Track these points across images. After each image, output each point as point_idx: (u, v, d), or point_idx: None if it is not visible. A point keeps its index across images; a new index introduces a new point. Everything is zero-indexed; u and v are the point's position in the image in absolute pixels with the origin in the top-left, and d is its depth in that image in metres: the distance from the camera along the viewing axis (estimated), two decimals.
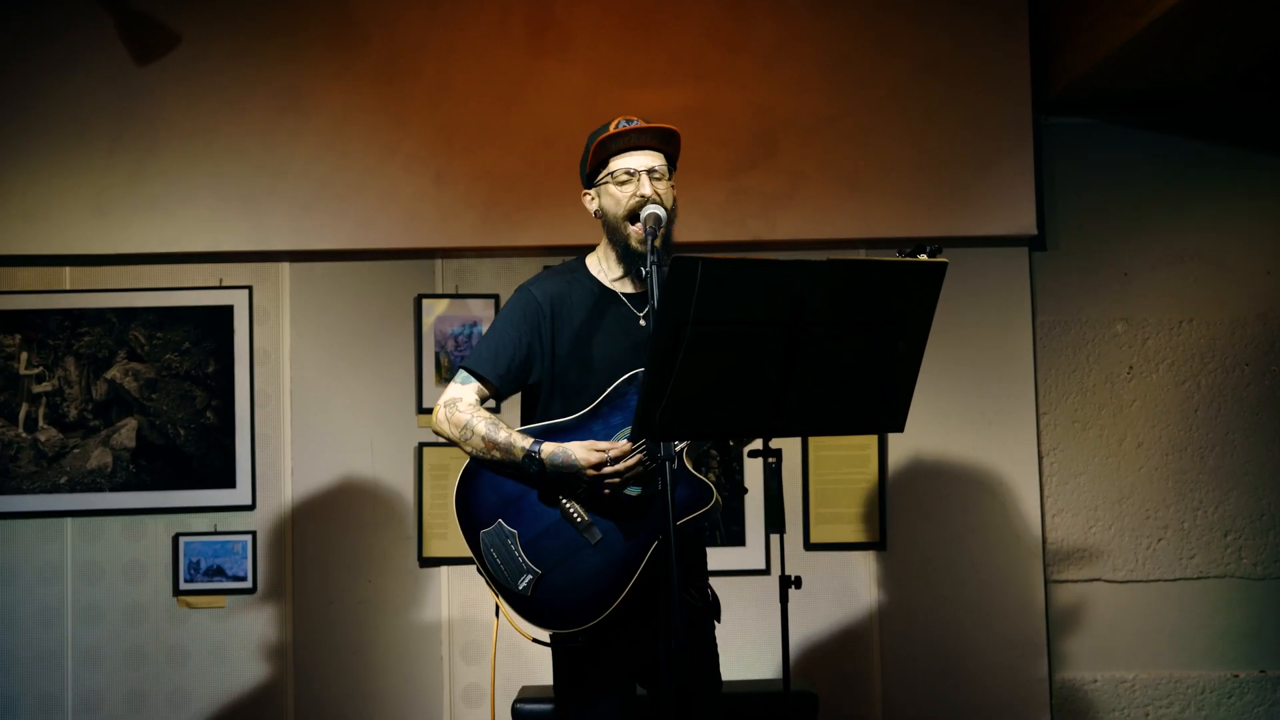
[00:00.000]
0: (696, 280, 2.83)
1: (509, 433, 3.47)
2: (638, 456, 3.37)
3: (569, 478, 3.40)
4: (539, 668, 4.70)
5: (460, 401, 3.55)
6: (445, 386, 4.85)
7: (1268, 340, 5.24)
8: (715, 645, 3.65)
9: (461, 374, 3.60)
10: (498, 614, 3.50)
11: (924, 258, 3.44)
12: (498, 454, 3.46)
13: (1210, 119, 5.27)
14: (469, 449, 3.51)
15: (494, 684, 3.85)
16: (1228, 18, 4.28)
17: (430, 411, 4.89)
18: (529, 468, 3.43)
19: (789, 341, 2.98)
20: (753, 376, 3.02)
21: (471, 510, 3.54)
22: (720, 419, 3.11)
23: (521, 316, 3.61)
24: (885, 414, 3.14)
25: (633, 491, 3.43)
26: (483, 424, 3.49)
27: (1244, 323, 5.24)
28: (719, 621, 3.63)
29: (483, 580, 3.51)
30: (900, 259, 3.35)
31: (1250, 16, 4.31)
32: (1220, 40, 4.53)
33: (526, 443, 3.44)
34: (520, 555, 3.47)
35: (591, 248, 3.73)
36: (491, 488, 3.54)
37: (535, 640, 3.51)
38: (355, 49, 5.11)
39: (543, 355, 3.61)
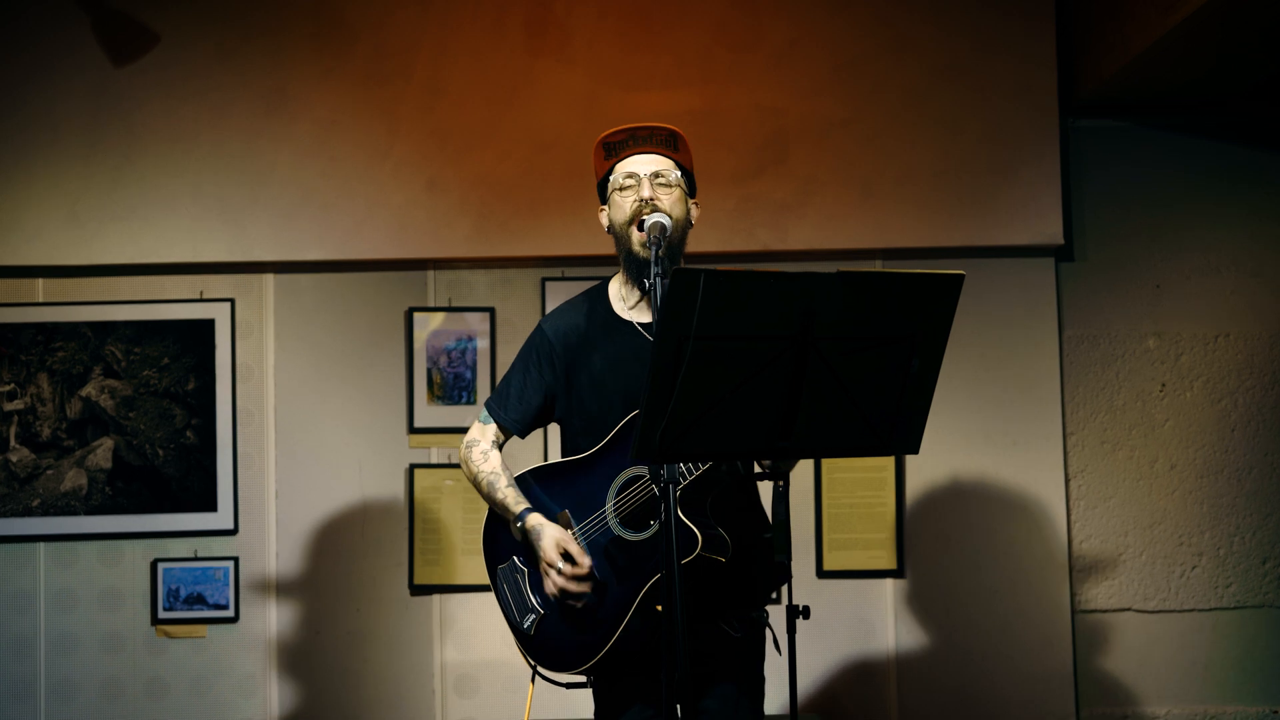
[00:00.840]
0: (698, 293, 2.78)
1: (505, 493, 3.54)
2: (579, 586, 3.39)
3: (534, 555, 3.47)
4: (547, 705, 4.60)
5: (476, 446, 3.63)
6: (441, 405, 4.92)
7: None
8: (759, 676, 3.60)
9: (483, 412, 3.68)
10: (534, 680, 3.52)
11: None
12: (497, 509, 3.57)
13: (1248, 122, 5.22)
14: (482, 497, 3.63)
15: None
16: (1265, 14, 4.25)
17: (423, 431, 4.94)
18: (518, 534, 3.51)
19: (797, 358, 2.93)
20: (759, 395, 2.98)
21: (494, 545, 3.62)
22: (725, 440, 3.06)
23: (536, 358, 3.64)
24: (899, 435, 3.11)
25: (630, 536, 3.41)
26: (486, 479, 3.58)
27: None
28: (781, 652, 3.48)
29: (502, 614, 3.61)
30: (914, 271, 3.31)
31: (1272, 28, 4.33)
32: (1257, 38, 4.48)
33: (518, 509, 3.51)
34: (528, 594, 3.52)
35: (592, 259, 3.72)
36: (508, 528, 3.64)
37: (551, 681, 3.50)
38: (343, 49, 5.09)
39: (562, 393, 3.63)
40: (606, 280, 3.69)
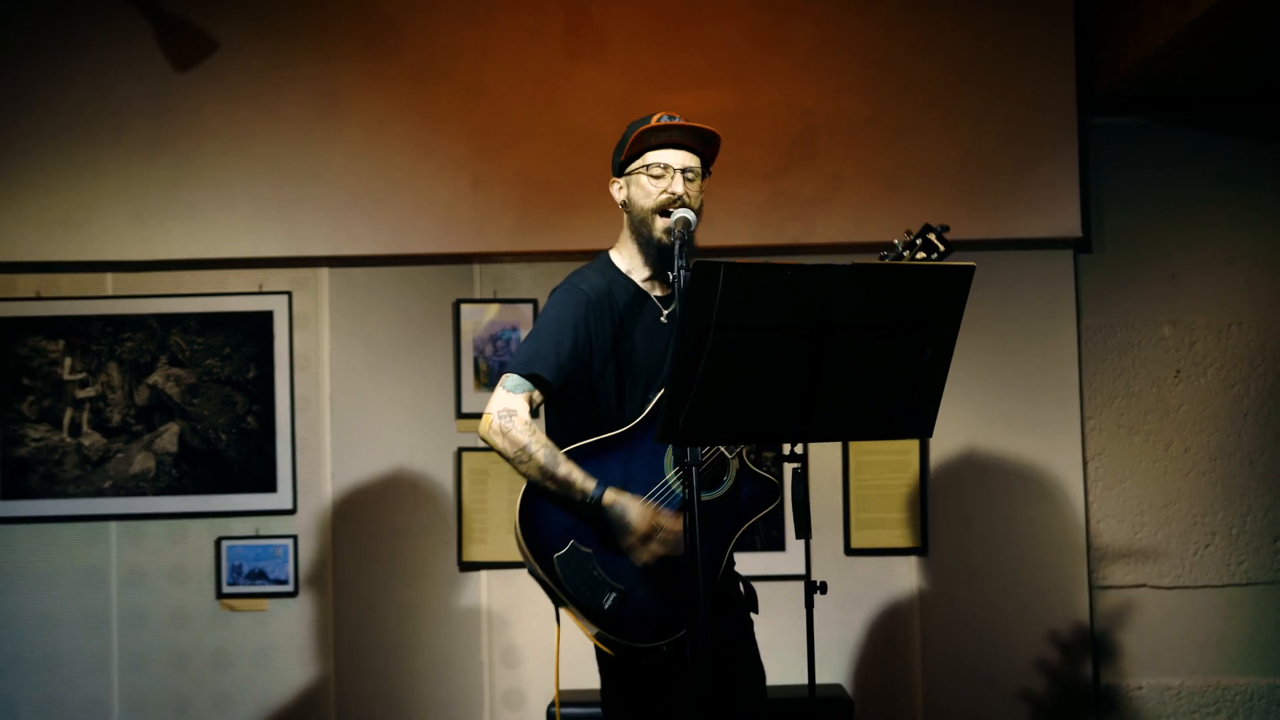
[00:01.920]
0: (719, 285, 2.80)
1: (569, 468, 3.41)
2: (678, 550, 3.32)
3: (620, 531, 3.37)
4: (573, 673, 4.58)
5: (516, 416, 3.46)
6: (487, 391, 4.86)
7: None
8: (754, 641, 3.65)
9: (511, 379, 3.48)
10: (558, 620, 3.48)
11: (933, 239, 3.52)
12: (552, 486, 3.42)
13: (1261, 116, 5.21)
14: (521, 471, 3.46)
15: (558, 696, 3.82)
16: (1263, 23, 4.28)
17: (470, 417, 4.91)
18: (584, 509, 3.40)
19: (815, 347, 2.95)
20: (779, 382, 2.99)
21: (541, 534, 3.48)
22: (746, 425, 3.08)
23: (575, 313, 3.54)
24: (913, 420, 3.11)
25: (706, 496, 3.39)
26: (543, 453, 3.43)
27: None
28: (756, 613, 3.61)
29: (554, 600, 3.45)
30: (925, 262, 3.36)
31: None
32: (1272, 33, 4.45)
33: (589, 485, 3.40)
34: (600, 575, 3.44)
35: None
36: (558, 510, 3.50)
37: (612, 653, 3.46)
38: (390, 52, 5.12)
39: (601, 357, 3.56)
40: (605, 253, 3.66)
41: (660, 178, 3.48)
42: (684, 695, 3.37)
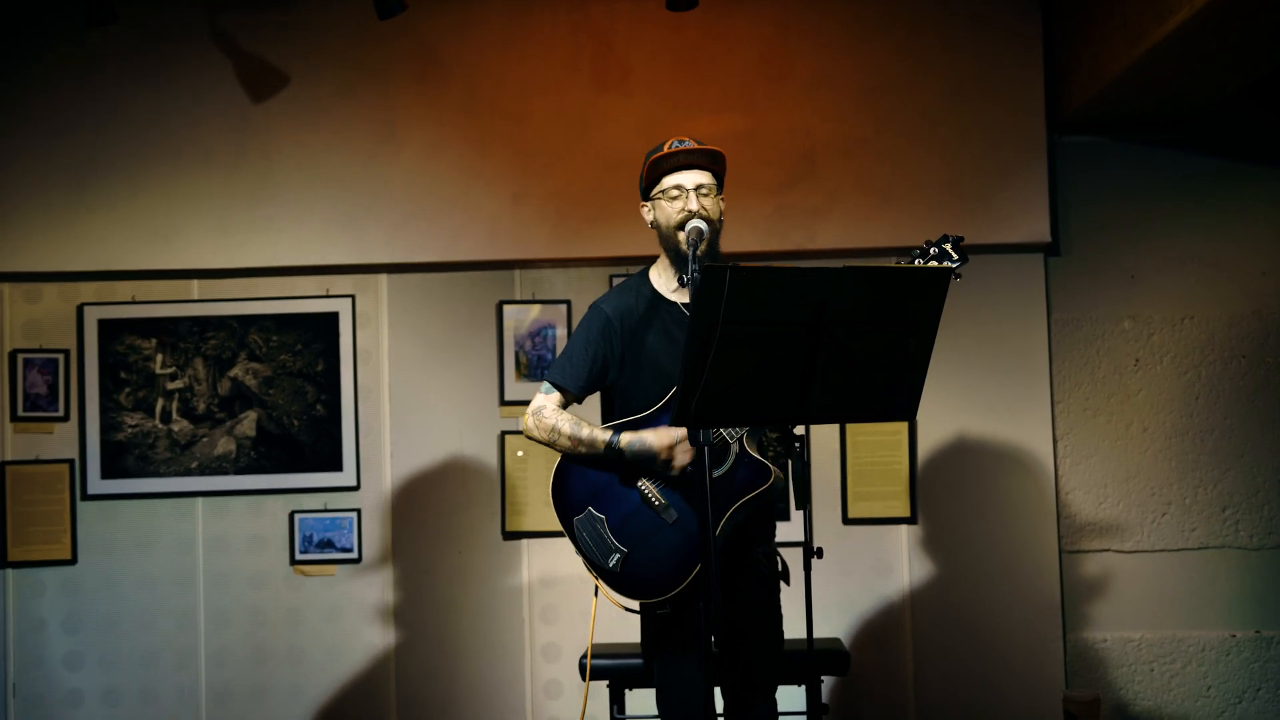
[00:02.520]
0: (725, 286, 2.87)
1: (590, 429, 3.58)
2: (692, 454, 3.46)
3: (645, 461, 3.50)
4: (607, 631, 4.67)
5: (545, 409, 3.66)
6: (527, 382, 5.05)
7: (1262, 335, 5.22)
8: (778, 606, 3.70)
9: (545, 385, 3.70)
10: (596, 594, 3.59)
11: (949, 249, 3.53)
12: (582, 449, 3.58)
13: (1207, 136, 5.23)
14: (558, 447, 3.63)
15: (589, 657, 3.98)
16: (1217, 46, 4.31)
17: (512, 404, 5.06)
18: (610, 456, 3.54)
19: (811, 340, 3.01)
20: (779, 371, 3.04)
21: (565, 500, 3.65)
22: (751, 409, 3.14)
23: (595, 333, 3.71)
24: (898, 404, 3.16)
25: (716, 471, 3.47)
26: (567, 425, 3.61)
27: (1240, 319, 5.21)
28: (787, 583, 3.64)
29: (580, 558, 3.61)
30: (910, 265, 3.42)
31: (1236, 45, 4.33)
32: (1211, 66, 4.54)
33: (607, 435, 3.55)
34: (609, 537, 3.57)
35: (650, 258, 3.76)
36: (580, 480, 3.64)
37: (627, 609, 3.59)
38: (442, 86, 5.18)
39: (614, 363, 3.70)
40: (646, 269, 3.76)
41: (677, 198, 3.57)
42: (689, 631, 3.51)
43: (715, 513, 3.42)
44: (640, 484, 3.60)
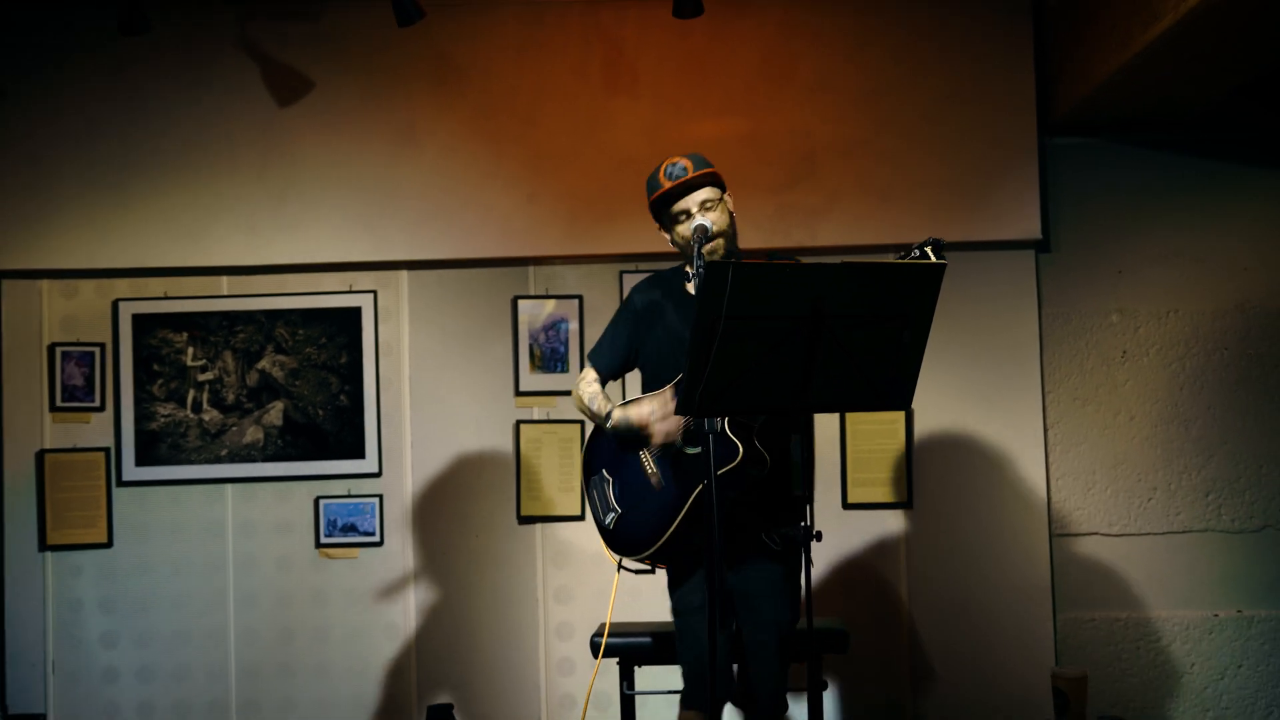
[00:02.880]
0: (728, 282, 2.92)
1: (600, 402, 3.82)
2: (679, 422, 3.62)
3: (630, 433, 3.71)
4: (617, 611, 4.67)
5: (581, 382, 3.93)
6: (541, 373, 5.22)
7: (1244, 328, 5.23)
8: (791, 584, 3.74)
9: (587, 363, 3.99)
10: (620, 569, 3.77)
11: (929, 251, 3.46)
12: (595, 420, 3.85)
13: (1191, 137, 5.25)
14: (585, 415, 3.89)
15: (608, 628, 4.11)
16: (1201, 50, 4.33)
17: (526, 394, 5.14)
18: (606, 427, 3.77)
19: (811, 333, 3.04)
20: (780, 363, 3.08)
21: (590, 461, 3.90)
22: (753, 398, 3.18)
23: (624, 322, 3.95)
24: (894, 394, 3.21)
25: (691, 450, 3.60)
26: (587, 397, 3.86)
27: (1224, 313, 5.23)
28: (813, 564, 3.56)
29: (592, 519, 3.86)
30: (902, 260, 3.39)
31: (1220, 50, 4.35)
32: (1195, 69, 4.55)
33: (604, 410, 3.79)
34: (610, 498, 3.77)
35: (657, 255, 3.92)
36: (605, 446, 3.84)
37: (621, 567, 3.78)
38: (458, 90, 5.21)
39: (641, 347, 3.90)
40: (682, 265, 3.89)
41: (686, 221, 3.69)
42: (694, 581, 3.70)
43: (692, 484, 3.60)
44: (641, 453, 3.75)
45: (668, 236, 3.81)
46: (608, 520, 3.76)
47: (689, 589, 3.76)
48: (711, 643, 3.31)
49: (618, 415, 3.74)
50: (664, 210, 3.76)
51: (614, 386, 4.18)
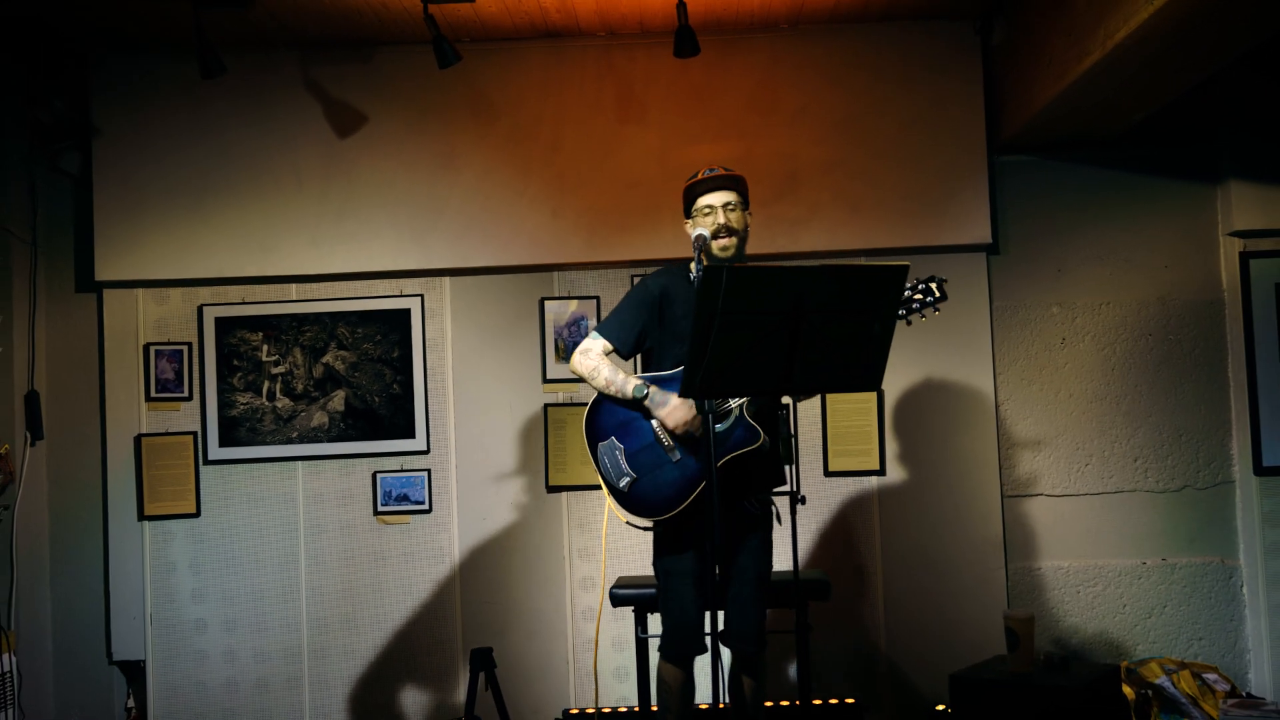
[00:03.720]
0: (723, 283, 2.99)
1: (625, 377, 3.79)
2: (693, 421, 3.65)
3: (657, 410, 3.72)
4: (630, 566, 5.01)
5: (592, 351, 3.87)
6: (563, 363, 5.05)
7: (1165, 317, 5.35)
8: (769, 542, 3.88)
9: (594, 333, 3.91)
10: (607, 511, 3.78)
11: (934, 287, 3.69)
12: (614, 390, 3.79)
13: (1118, 154, 5.33)
14: (594, 384, 3.83)
15: (604, 578, 4.28)
16: (1124, 81, 4.41)
17: (553, 382, 5.15)
18: (633, 403, 3.75)
19: (794, 326, 3.12)
20: (768, 351, 3.14)
21: (595, 428, 3.86)
22: (744, 382, 3.27)
23: (641, 302, 3.91)
24: (866, 377, 3.29)
25: (716, 427, 3.58)
26: (606, 369, 3.82)
27: (1147, 304, 5.34)
28: (780, 523, 3.84)
29: (599, 479, 3.81)
30: (875, 264, 3.44)
31: (1140, 81, 4.43)
32: (1119, 97, 4.64)
33: (636, 386, 3.76)
34: (623, 463, 3.76)
35: (662, 260, 3.95)
36: (610, 414, 3.83)
37: (628, 523, 3.82)
38: (492, 122, 5.31)
39: (653, 329, 3.89)
40: (688, 261, 3.90)
41: (709, 214, 3.80)
42: (689, 548, 3.74)
43: (713, 459, 3.47)
44: (655, 425, 3.77)
45: (691, 230, 3.86)
46: (622, 484, 3.75)
47: (680, 553, 3.81)
48: (712, 613, 3.34)
49: (653, 395, 3.73)
50: (692, 202, 3.84)
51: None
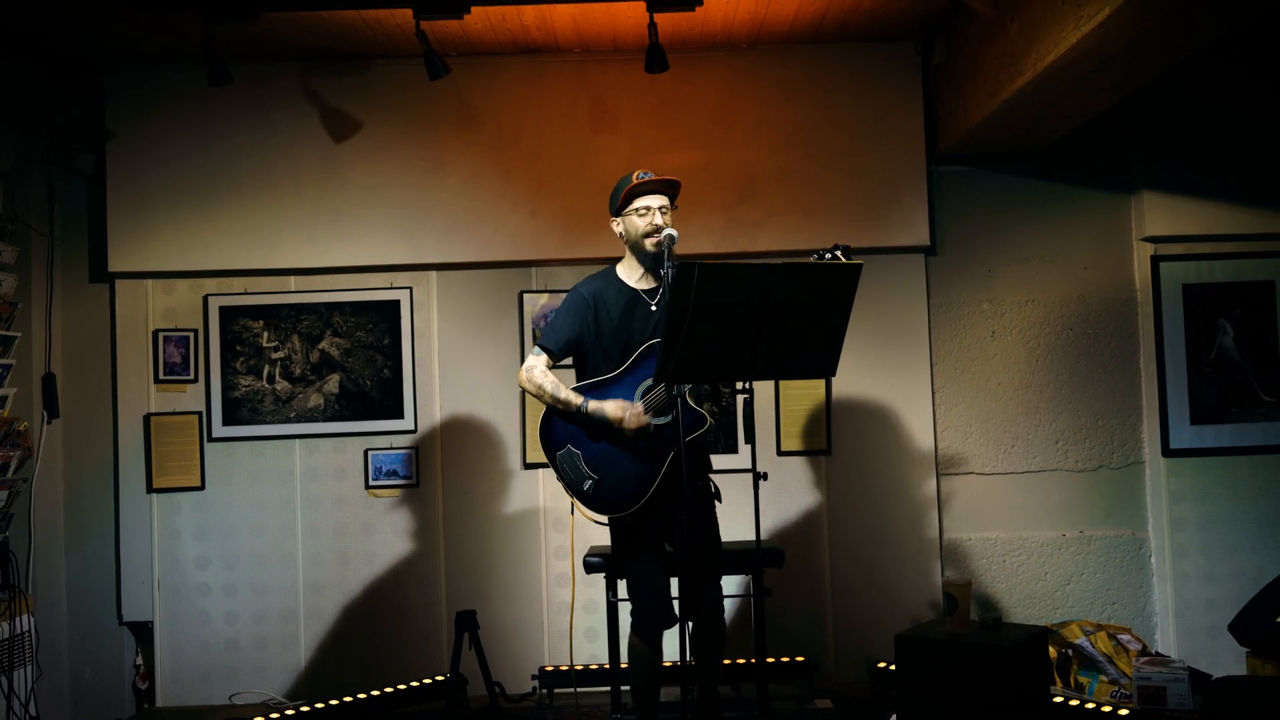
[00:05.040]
0: (694, 279, 3.01)
1: (568, 393, 3.69)
2: (646, 419, 3.58)
3: (604, 424, 3.64)
4: (601, 537, 4.73)
5: (535, 369, 3.76)
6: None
7: (1084, 314, 5.37)
8: (716, 517, 3.86)
9: (536, 349, 3.82)
10: (573, 511, 3.74)
11: (837, 255, 3.55)
12: (560, 406, 3.70)
13: (1043, 166, 5.36)
14: (542, 400, 3.74)
15: (573, 549, 4.36)
16: (1051, 100, 4.43)
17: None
18: (579, 417, 3.67)
19: (758, 318, 3.14)
20: (734, 341, 3.17)
21: (550, 439, 3.78)
22: (713, 368, 3.27)
23: (575, 309, 3.79)
24: (823, 365, 3.34)
25: (660, 420, 3.62)
26: (550, 386, 3.72)
27: (1068, 302, 5.37)
28: (720, 502, 3.87)
29: (560, 484, 3.76)
30: (830, 261, 3.46)
31: (1065, 100, 4.45)
32: (1048, 114, 4.67)
33: (579, 401, 3.66)
34: (584, 467, 3.69)
35: (618, 259, 3.86)
36: (562, 424, 3.75)
37: (596, 521, 3.77)
38: (477, 130, 5.29)
39: (588, 334, 3.78)
40: (613, 265, 3.85)
41: (645, 215, 3.70)
42: (648, 541, 3.69)
43: (665, 451, 3.59)
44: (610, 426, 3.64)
45: (619, 230, 3.78)
46: (586, 487, 3.66)
47: (642, 542, 3.76)
48: (689, 582, 3.39)
49: (594, 407, 3.62)
50: (628, 201, 3.73)
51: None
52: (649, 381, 3.66)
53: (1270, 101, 5.26)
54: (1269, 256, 5.32)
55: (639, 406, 3.59)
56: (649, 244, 3.67)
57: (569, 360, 3.98)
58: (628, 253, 3.84)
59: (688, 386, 3.52)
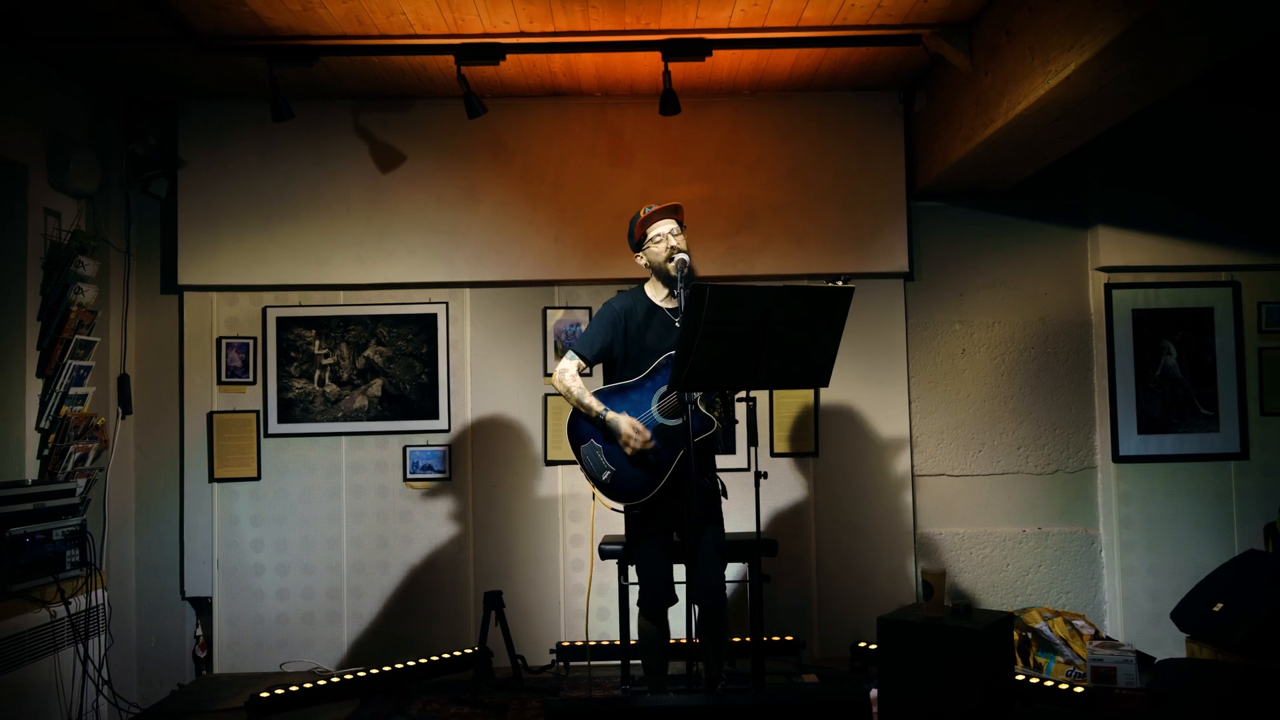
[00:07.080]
0: (706, 299, 3.03)
1: (590, 399, 3.67)
2: (650, 445, 3.55)
3: (613, 433, 3.63)
4: (614, 527, 4.83)
5: (567, 372, 3.75)
6: (561, 358, 4.55)
7: (1044, 334, 5.36)
8: (720, 512, 3.81)
9: (569, 353, 3.79)
10: (594, 498, 3.75)
11: (840, 283, 3.45)
12: (582, 409, 3.70)
13: (1010, 202, 5.34)
14: (568, 401, 3.74)
15: (593, 537, 4.35)
16: (1018, 145, 4.42)
17: (551, 375, 4.87)
18: (596, 423, 3.66)
19: (760, 334, 3.15)
20: (740, 354, 3.17)
21: (575, 434, 3.78)
22: (720, 378, 3.25)
23: (607, 321, 3.79)
24: (817, 377, 3.35)
25: (672, 422, 3.59)
26: (576, 390, 3.70)
27: (1030, 324, 5.36)
28: (726, 498, 3.83)
29: (582, 474, 3.83)
30: (826, 285, 3.42)
31: (1028, 147, 4.45)
32: (1013, 158, 4.68)
33: (599, 408, 3.64)
34: (603, 460, 3.67)
35: (639, 279, 3.85)
36: (586, 424, 3.74)
37: (613, 509, 3.75)
38: (506, 163, 5.27)
39: (617, 344, 3.78)
40: (642, 284, 3.86)
41: (660, 241, 3.70)
42: (657, 530, 3.67)
43: (676, 449, 3.58)
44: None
45: (642, 260, 3.78)
46: (605, 476, 3.63)
47: (650, 530, 3.74)
48: (689, 570, 3.36)
49: (611, 419, 3.61)
50: (644, 234, 3.72)
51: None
52: (665, 388, 3.65)
53: (1211, 152, 5.28)
54: (1208, 286, 5.33)
55: (647, 434, 3.55)
56: (671, 268, 3.63)
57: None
58: (652, 278, 3.81)
59: (699, 394, 3.52)
